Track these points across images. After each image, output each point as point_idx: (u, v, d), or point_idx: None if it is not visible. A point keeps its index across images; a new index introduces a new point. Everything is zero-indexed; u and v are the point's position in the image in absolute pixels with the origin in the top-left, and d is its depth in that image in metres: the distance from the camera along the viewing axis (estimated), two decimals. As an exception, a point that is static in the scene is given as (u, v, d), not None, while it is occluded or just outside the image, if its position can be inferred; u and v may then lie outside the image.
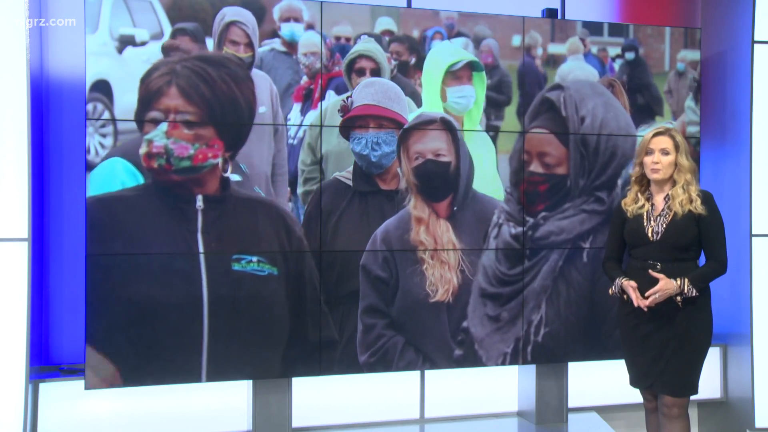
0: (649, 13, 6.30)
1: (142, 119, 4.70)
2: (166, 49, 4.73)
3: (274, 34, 4.96)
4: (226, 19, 4.87)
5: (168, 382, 4.85)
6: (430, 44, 5.22)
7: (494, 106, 5.35)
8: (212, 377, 4.88)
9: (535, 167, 5.41)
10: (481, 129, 5.31)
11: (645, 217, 4.31)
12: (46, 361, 5.21)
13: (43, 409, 4.95)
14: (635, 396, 4.65)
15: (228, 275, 4.86)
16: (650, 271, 4.22)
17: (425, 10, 5.29)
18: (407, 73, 5.19)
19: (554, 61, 5.46)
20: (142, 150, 4.67)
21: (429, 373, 5.70)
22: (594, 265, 5.48)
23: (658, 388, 4.31)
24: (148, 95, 4.69)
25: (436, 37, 5.23)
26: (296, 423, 5.32)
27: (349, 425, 5.52)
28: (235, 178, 4.85)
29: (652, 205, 4.33)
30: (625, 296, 4.35)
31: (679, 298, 4.18)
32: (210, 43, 4.82)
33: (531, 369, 5.65)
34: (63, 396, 4.97)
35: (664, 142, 4.26)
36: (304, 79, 5.01)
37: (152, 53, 4.74)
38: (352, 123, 5.08)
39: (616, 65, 5.57)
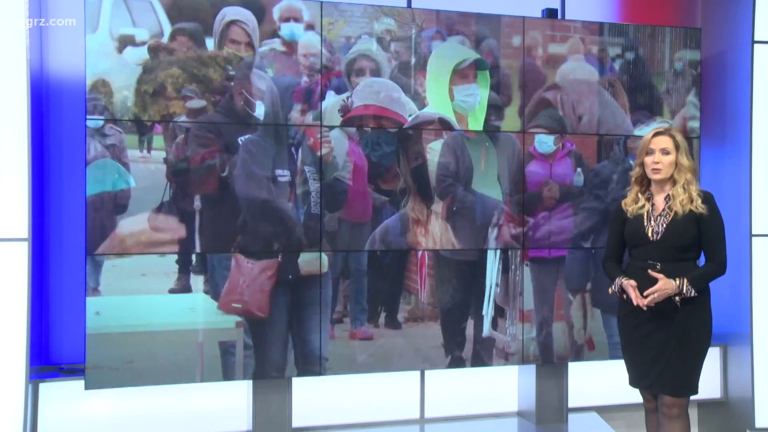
0: (649, 13, 6.31)
1: (142, 119, 4.71)
2: (152, 50, 4.74)
3: (274, 34, 4.96)
4: (227, 19, 4.87)
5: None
6: (430, 44, 5.22)
7: (495, 106, 5.35)
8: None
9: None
10: (480, 129, 5.31)
11: (645, 217, 4.32)
12: (46, 361, 5.21)
13: (43, 409, 4.95)
14: (635, 396, 4.65)
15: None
16: (649, 271, 4.22)
17: (425, 10, 5.30)
18: (408, 73, 5.19)
19: (554, 61, 5.47)
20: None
21: (429, 373, 5.70)
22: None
23: (657, 388, 4.31)
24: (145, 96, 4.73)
25: (436, 37, 5.23)
26: (296, 423, 5.32)
27: (349, 425, 5.52)
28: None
29: (653, 205, 4.33)
30: (624, 296, 4.36)
31: (677, 298, 4.18)
32: (210, 43, 4.83)
33: (531, 369, 5.66)
34: (63, 396, 4.97)
35: (665, 141, 4.27)
36: (304, 78, 5.02)
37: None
38: (351, 123, 5.09)
39: (616, 65, 5.58)
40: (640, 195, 4.39)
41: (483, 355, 5.37)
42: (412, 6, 5.67)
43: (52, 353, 5.24)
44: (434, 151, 5.24)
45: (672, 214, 4.23)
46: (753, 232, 5.73)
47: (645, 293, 4.19)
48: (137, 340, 4.76)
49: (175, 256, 4.81)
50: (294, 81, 5.00)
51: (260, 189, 4.92)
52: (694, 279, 4.17)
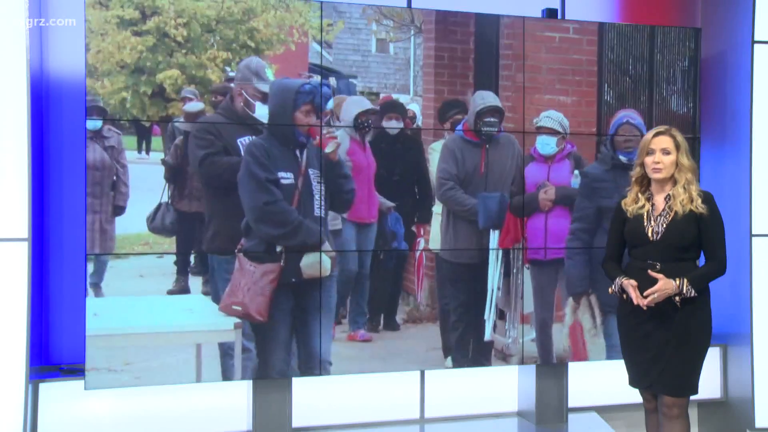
0: (649, 13, 6.31)
1: (142, 119, 4.72)
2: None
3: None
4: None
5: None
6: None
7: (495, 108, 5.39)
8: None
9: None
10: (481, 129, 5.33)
11: (645, 217, 4.31)
12: (46, 361, 5.21)
13: (43, 409, 4.94)
14: (635, 396, 4.64)
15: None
16: (649, 271, 4.22)
17: (424, 10, 5.32)
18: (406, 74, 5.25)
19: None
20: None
21: (429, 373, 5.70)
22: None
23: (657, 388, 4.31)
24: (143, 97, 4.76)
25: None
26: (296, 423, 5.31)
27: (349, 425, 5.52)
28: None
29: (653, 205, 4.33)
30: (624, 296, 4.36)
31: (677, 298, 4.18)
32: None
33: (531, 369, 5.66)
34: (63, 396, 4.97)
35: (665, 141, 4.27)
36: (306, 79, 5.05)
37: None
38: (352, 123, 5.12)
39: (616, 65, 5.59)
40: (640, 195, 4.39)
41: (483, 356, 5.38)
42: (412, 6, 5.67)
43: (52, 353, 5.24)
44: (435, 152, 5.25)
45: (672, 214, 4.23)
46: (753, 232, 5.73)
47: (645, 293, 4.19)
48: (135, 341, 4.77)
49: (174, 257, 4.82)
50: (296, 82, 5.01)
51: (262, 191, 4.91)
52: (693, 279, 4.17)
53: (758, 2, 5.67)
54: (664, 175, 4.26)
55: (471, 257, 5.37)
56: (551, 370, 5.65)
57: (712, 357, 5.99)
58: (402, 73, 5.24)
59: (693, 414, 6.08)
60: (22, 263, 4.67)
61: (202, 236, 4.87)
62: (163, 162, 4.79)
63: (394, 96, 5.20)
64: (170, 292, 4.83)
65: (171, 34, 4.80)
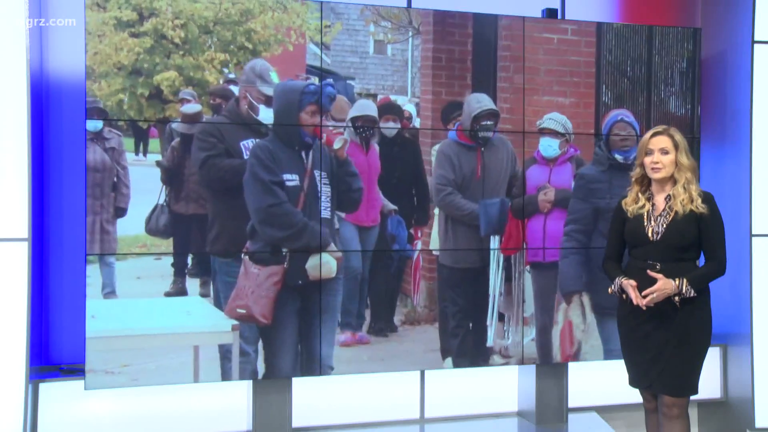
0: (649, 13, 6.30)
1: (141, 120, 4.72)
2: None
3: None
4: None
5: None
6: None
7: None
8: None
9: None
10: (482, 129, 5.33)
11: (645, 216, 4.31)
12: (46, 361, 5.21)
13: (43, 409, 4.95)
14: (635, 396, 4.64)
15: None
16: (648, 271, 4.21)
17: (423, 10, 5.32)
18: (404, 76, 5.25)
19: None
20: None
21: (429, 373, 5.70)
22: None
23: (657, 388, 4.31)
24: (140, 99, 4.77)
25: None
26: (296, 423, 5.31)
27: (349, 425, 5.52)
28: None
29: (653, 204, 4.33)
30: (624, 296, 4.36)
31: (677, 298, 4.18)
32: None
33: (531, 369, 5.65)
34: (63, 396, 4.97)
35: (663, 141, 4.27)
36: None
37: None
38: (353, 124, 5.13)
39: (615, 65, 5.59)
40: (640, 195, 4.39)
41: (483, 358, 5.40)
42: (412, 5, 5.66)
43: (52, 353, 5.24)
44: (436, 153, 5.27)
45: (672, 214, 4.23)
46: (753, 232, 5.72)
47: (644, 293, 4.19)
48: (132, 344, 4.77)
49: (171, 259, 4.84)
50: (300, 83, 5.02)
51: (267, 193, 4.92)
52: (693, 279, 4.17)
53: (758, 2, 5.67)
54: (663, 174, 4.26)
55: (471, 262, 5.38)
56: (551, 370, 5.65)
57: (712, 357, 5.98)
58: (400, 74, 5.24)
59: (693, 414, 6.08)
60: (22, 263, 4.67)
61: (205, 238, 4.88)
62: (158, 164, 4.80)
63: (392, 97, 5.20)
64: (168, 294, 4.83)
65: (168, 36, 4.80)
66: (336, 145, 5.06)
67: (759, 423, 5.78)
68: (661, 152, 4.25)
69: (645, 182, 4.40)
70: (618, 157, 5.54)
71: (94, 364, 4.68)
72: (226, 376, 4.93)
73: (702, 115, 5.83)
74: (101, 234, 4.72)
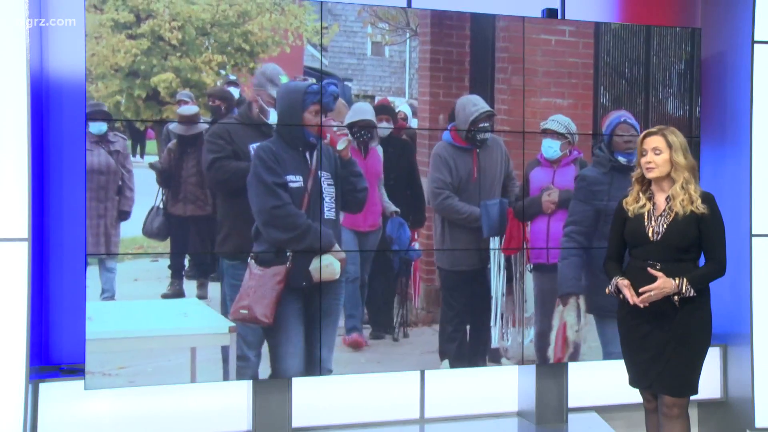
0: (649, 13, 6.30)
1: (143, 119, 4.73)
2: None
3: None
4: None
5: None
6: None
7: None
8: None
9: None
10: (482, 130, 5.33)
11: (646, 216, 4.31)
12: (46, 361, 5.22)
13: (43, 409, 4.95)
14: (635, 396, 4.64)
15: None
16: (649, 269, 4.21)
17: (420, 10, 5.32)
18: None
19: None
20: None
21: (429, 373, 5.70)
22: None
23: (657, 388, 4.31)
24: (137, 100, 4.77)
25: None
26: (296, 423, 5.31)
27: (349, 425, 5.52)
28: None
29: (654, 204, 4.33)
30: (621, 296, 4.36)
31: (676, 298, 4.18)
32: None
33: (531, 369, 5.65)
34: (63, 396, 4.97)
35: (655, 141, 4.28)
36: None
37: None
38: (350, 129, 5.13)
39: (615, 65, 5.59)
40: (641, 194, 4.39)
41: (483, 359, 5.42)
42: (412, 5, 5.66)
43: (52, 353, 5.25)
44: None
45: (673, 214, 4.23)
46: (753, 232, 5.72)
47: (641, 290, 4.19)
48: (129, 345, 4.78)
49: (168, 261, 4.84)
50: (303, 83, 5.02)
51: (270, 195, 4.92)
52: (693, 279, 4.17)
53: (758, 2, 5.66)
54: (657, 174, 4.27)
55: (470, 265, 5.38)
56: (551, 370, 5.65)
57: (712, 357, 5.98)
58: (397, 76, 5.23)
59: (693, 414, 6.08)
60: (22, 263, 4.67)
61: (203, 240, 4.88)
62: (152, 166, 4.80)
63: (390, 99, 5.20)
64: (165, 296, 4.84)
65: (166, 38, 4.80)
66: (339, 146, 5.06)
67: (759, 423, 5.78)
68: (653, 152, 4.26)
69: (645, 182, 4.40)
70: (621, 159, 5.54)
71: (92, 365, 4.68)
72: (226, 376, 4.93)
73: (702, 115, 5.83)
74: (105, 237, 4.73)
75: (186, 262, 4.87)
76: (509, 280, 5.45)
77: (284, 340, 4.99)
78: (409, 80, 5.24)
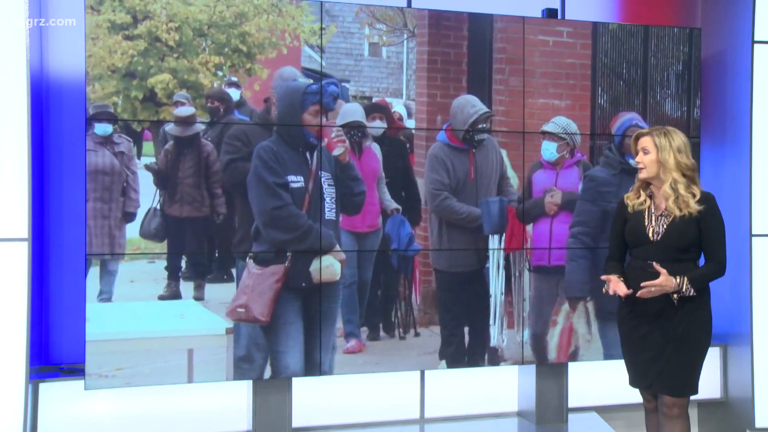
0: (649, 12, 6.30)
1: (143, 119, 4.73)
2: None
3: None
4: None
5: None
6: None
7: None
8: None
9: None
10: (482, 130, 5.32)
11: (646, 216, 4.31)
12: (46, 361, 5.22)
13: (43, 409, 4.95)
14: (635, 396, 4.64)
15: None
16: (654, 264, 4.18)
17: (418, 10, 5.32)
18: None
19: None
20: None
21: (429, 373, 5.70)
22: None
23: (657, 388, 4.31)
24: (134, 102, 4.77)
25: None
26: (296, 423, 5.32)
27: (349, 425, 5.52)
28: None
29: (654, 204, 4.33)
30: (614, 293, 4.37)
31: (675, 296, 4.18)
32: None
33: (531, 369, 5.66)
34: (63, 396, 4.98)
35: (644, 142, 4.30)
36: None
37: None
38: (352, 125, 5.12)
39: (614, 66, 5.59)
40: (642, 191, 4.40)
41: (483, 359, 5.42)
42: (412, 5, 5.66)
43: (52, 353, 5.25)
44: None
45: (672, 215, 4.23)
46: (753, 232, 5.72)
47: (642, 284, 4.17)
48: (126, 347, 4.78)
49: (165, 263, 4.85)
50: (303, 83, 5.02)
51: (271, 195, 4.93)
52: (694, 278, 4.17)
53: (758, 2, 5.66)
54: (646, 174, 4.30)
55: (468, 265, 5.38)
56: (551, 370, 5.65)
57: (712, 357, 5.98)
58: (395, 77, 5.23)
59: (693, 414, 6.08)
60: (22, 263, 4.68)
61: (210, 240, 4.91)
62: (147, 167, 4.80)
63: (388, 100, 5.20)
64: (161, 298, 4.84)
65: (163, 39, 4.80)
66: (336, 152, 5.05)
67: (759, 423, 5.78)
68: (642, 152, 4.30)
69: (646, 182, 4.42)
70: (631, 161, 5.52)
71: (92, 367, 4.69)
72: (229, 376, 4.94)
73: (702, 115, 5.84)
74: (109, 238, 4.73)
75: (183, 264, 4.87)
76: (508, 279, 5.45)
77: (283, 340, 4.99)
78: (406, 81, 5.24)
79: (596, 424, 5.73)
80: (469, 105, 5.30)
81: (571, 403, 5.79)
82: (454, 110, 5.29)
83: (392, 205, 5.21)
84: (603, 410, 5.94)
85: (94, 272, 4.73)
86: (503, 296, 5.45)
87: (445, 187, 5.26)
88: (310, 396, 5.43)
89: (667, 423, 4.31)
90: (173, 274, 4.84)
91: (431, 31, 5.25)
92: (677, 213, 4.20)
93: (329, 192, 5.04)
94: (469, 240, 5.35)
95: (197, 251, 4.88)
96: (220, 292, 4.92)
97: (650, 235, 4.26)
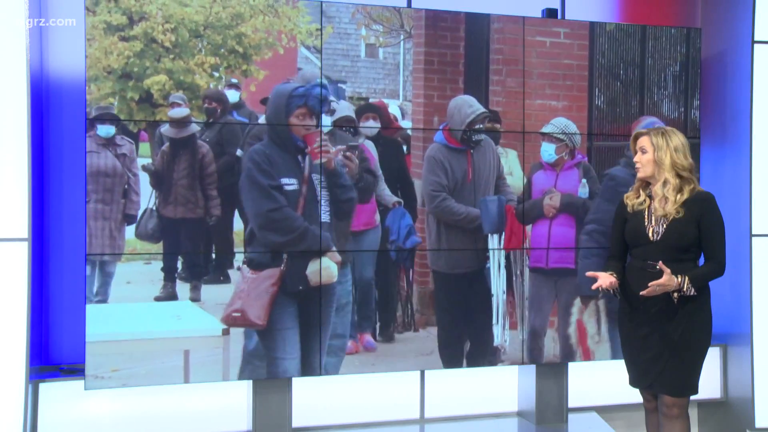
0: (649, 12, 6.30)
1: (140, 119, 4.74)
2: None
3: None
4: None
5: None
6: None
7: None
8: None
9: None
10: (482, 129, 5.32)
11: (646, 216, 4.32)
12: (46, 361, 5.23)
13: (43, 409, 4.96)
14: (635, 396, 4.64)
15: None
16: (660, 263, 4.17)
17: (416, 10, 5.33)
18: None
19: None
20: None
21: (429, 373, 5.70)
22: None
23: (657, 388, 4.32)
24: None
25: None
26: (296, 423, 5.32)
27: (349, 425, 5.52)
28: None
29: (654, 204, 4.33)
30: (614, 294, 4.38)
31: (676, 295, 4.18)
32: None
33: (531, 369, 5.66)
34: (63, 396, 4.98)
35: (642, 141, 4.34)
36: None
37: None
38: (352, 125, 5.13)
39: (614, 66, 5.59)
40: (641, 191, 4.40)
41: (483, 359, 5.43)
42: (412, 5, 5.66)
43: (52, 353, 5.26)
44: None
45: (672, 215, 4.24)
46: (753, 232, 5.72)
47: (650, 283, 4.16)
48: (123, 348, 4.79)
49: (161, 264, 4.85)
50: (290, 86, 5.01)
51: (265, 198, 4.92)
52: (694, 278, 4.17)
53: (758, 2, 5.66)
54: (642, 173, 4.34)
55: (468, 266, 5.37)
56: (551, 370, 5.65)
57: (712, 357, 5.98)
58: (392, 78, 5.23)
59: (693, 414, 6.08)
60: (22, 263, 4.68)
61: (207, 241, 4.92)
62: (144, 168, 4.81)
63: (385, 101, 5.20)
64: (158, 299, 4.84)
65: (159, 40, 4.79)
66: (318, 162, 5.02)
67: (759, 423, 5.78)
68: (640, 152, 4.33)
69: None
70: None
71: (91, 368, 4.69)
72: (225, 376, 4.95)
73: (702, 115, 5.84)
74: (110, 240, 4.74)
75: (179, 265, 4.88)
76: (509, 278, 5.45)
77: (279, 343, 4.99)
78: (403, 82, 5.24)
79: (596, 424, 5.73)
80: (466, 105, 5.29)
81: (571, 403, 5.79)
82: (451, 110, 5.28)
83: (393, 199, 5.20)
84: (603, 410, 5.94)
85: (92, 273, 4.74)
86: (505, 296, 5.44)
87: (443, 188, 5.26)
88: (310, 396, 5.44)
89: (667, 423, 4.32)
90: (169, 275, 4.84)
91: (428, 31, 5.24)
92: (661, 213, 4.22)
93: (324, 194, 5.03)
94: (468, 240, 5.35)
95: (193, 251, 4.89)
96: (217, 294, 4.91)
97: (650, 235, 4.27)
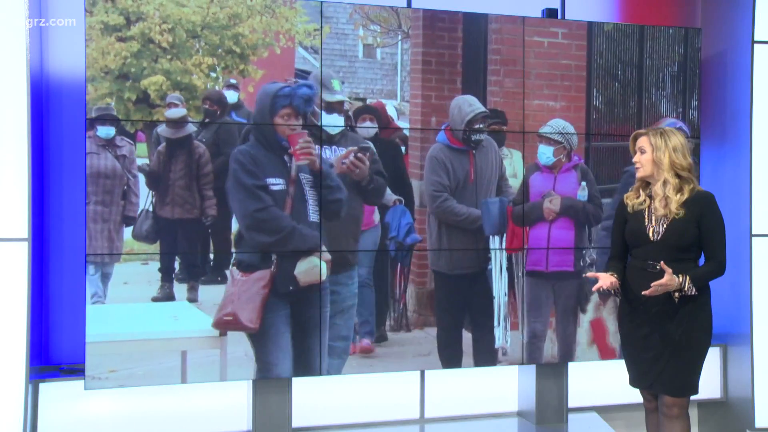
0: (649, 12, 6.30)
1: (143, 119, 4.74)
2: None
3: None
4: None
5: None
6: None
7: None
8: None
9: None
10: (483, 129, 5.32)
11: (646, 216, 4.32)
12: (46, 361, 5.23)
13: (43, 409, 4.96)
14: (635, 396, 4.63)
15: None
16: (662, 263, 4.17)
17: (414, 10, 5.32)
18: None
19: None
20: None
21: (429, 373, 5.70)
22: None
23: (657, 388, 4.31)
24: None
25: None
26: (296, 423, 5.32)
27: (349, 425, 5.53)
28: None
29: (654, 204, 4.33)
30: (614, 294, 4.38)
31: (676, 294, 4.18)
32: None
33: (531, 369, 5.66)
34: (63, 396, 4.99)
35: (641, 141, 4.33)
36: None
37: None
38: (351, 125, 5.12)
39: (614, 66, 5.59)
40: (641, 191, 4.40)
41: (483, 359, 5.43)
42: (412, 5, 5.66)
43: (52, 353, 5.26)
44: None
45: (672, 215, 4.24)
46: (753, 232, 5.72)
47: (653, 283, 4.15)
48: (121, 348, 4.79)
49: (158, 264, 4.85)
50: (275, 86, 5.00)
51: (252, 198, 4.90)
52: (695, 277, 4.17)
53: (758, 2, 5.67)
54: (642, 173, 4.32)
55: (469, 267, 5.37)
56: (551, 370, 5.65)
57: (712, 357, 5.98)
58: (389, 78, 5.23)
59: (693, 414, 6.08)
60: (22, 263, 4.69)
61: (204, 241, 4.93)
62: (140, 169, 4.81)
63: (383, 101, 5.20)
64: (155, 299, 4.84)
65: (156, 40, 4.79)
66: (300, 163, 5.01)
67: (759, 423, 5.78)
68: (639, 152, 4.32)
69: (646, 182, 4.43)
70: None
71: (90, 368, 4.70)
72: (222, 377, 4.95)
73: (702, 115, 5.84)
74: (109, 241, 4.74)
75: (176, 266, 4.88)
76: (511, 279, 5.45)
77: (272, 346, 4.98)
78: (401, 82, 5.23)
79: (596, 424, 5.73)
80: (466, 104, 5.29)
81: (571, 403, 5.79)
82: (451, 110, 5.28)
83: (393, 197, 5.20)
84: (603, 410, 5.94)
85: (92, 274, 4.74)
86: (506, 297, 5.44)
87: (444, 188, 5.26)
88: (310, 396, 5.44)
89: (667, 423, 4.31)
90: (167, 275, 4.85)
91: (426, 32, 5.24)
92: (662, 212, 4.22)
93: (312, 194, 5.02)
94: (469, 241, 5.34)
95: (190, 251, 4.89)
96: (214, 294, 4.91)
97: (650, 235, 4.26)
